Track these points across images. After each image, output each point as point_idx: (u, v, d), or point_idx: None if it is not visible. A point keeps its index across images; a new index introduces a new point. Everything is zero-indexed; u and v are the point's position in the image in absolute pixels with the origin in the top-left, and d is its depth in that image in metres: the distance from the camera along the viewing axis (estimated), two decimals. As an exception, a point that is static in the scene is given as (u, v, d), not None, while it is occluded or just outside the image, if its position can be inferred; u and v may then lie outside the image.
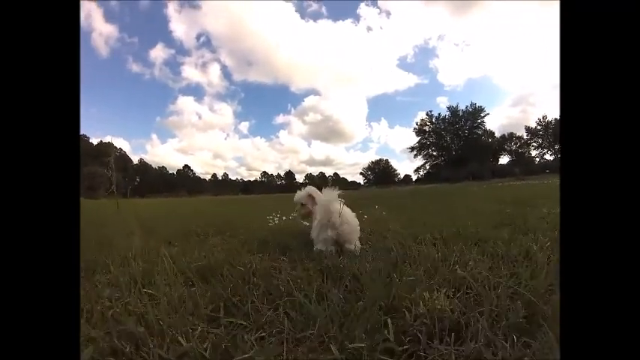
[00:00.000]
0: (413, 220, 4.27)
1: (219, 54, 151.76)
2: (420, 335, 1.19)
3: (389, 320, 1.27)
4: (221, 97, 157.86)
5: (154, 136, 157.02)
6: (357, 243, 2.72)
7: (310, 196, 3.04)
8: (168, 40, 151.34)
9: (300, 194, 3.12)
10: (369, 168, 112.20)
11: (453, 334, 1.17)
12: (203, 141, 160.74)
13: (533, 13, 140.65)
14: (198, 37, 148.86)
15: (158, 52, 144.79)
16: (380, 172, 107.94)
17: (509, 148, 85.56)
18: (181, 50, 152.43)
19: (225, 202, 22.40)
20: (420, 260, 2.19)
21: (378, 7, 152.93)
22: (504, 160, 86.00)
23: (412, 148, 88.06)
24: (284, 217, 5.30)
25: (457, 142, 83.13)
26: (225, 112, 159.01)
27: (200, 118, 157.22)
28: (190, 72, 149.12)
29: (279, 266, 2.23)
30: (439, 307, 1.36)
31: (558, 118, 0.79)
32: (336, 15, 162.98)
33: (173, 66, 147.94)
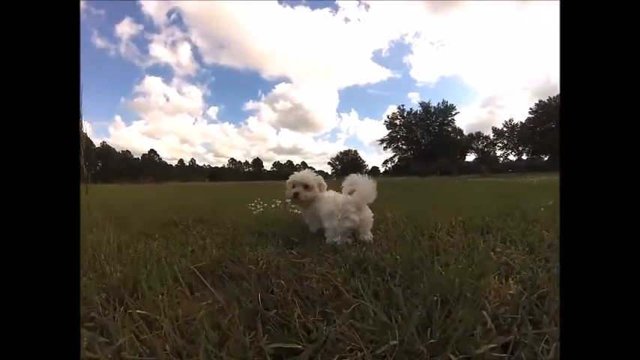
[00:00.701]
0: (409, 210, 4.06)
1: (190, 34, 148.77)
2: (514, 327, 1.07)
3: (485, 313, 1.09)
4: (190, 79, 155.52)
5: (118, 118, 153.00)
6: (370, 233, 2.54)
7: (320, 184, 2.78)
8: (137, 15, 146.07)
9: (305, 175, 2.77)
10: (337, 158, 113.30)
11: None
12: (170, 125, 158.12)
13: (509, 17, 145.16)
14: (169, 14, 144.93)
15: (125, 28, 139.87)
16: (348, 162, 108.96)
17: (475, 147, 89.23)
18: (150, 27, 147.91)
19: (194, 188, 21.78)
20: (447, 248, 2.07)
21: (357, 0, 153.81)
22: (470, 157, 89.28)
23: (382, 141, 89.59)
24: (265, 205, 5.01)
25: (427, 137, 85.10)
26: (194, 95, 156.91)
27: (168, 100, 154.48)
28: (159, 51, 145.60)
29: (298, 262, 1.90)
30: (511, 292, 1.32)
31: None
32: (314, 3, 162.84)
33: (141, 43, 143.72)
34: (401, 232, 2.61)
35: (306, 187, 2.72)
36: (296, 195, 2.72)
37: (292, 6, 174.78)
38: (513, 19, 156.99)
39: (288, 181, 2.83)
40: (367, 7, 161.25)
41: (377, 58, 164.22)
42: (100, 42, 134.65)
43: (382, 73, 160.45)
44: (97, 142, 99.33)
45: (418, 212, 3.86)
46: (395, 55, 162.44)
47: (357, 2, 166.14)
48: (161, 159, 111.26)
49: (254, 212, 4.35)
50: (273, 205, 4.90)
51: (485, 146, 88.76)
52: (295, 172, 2.84)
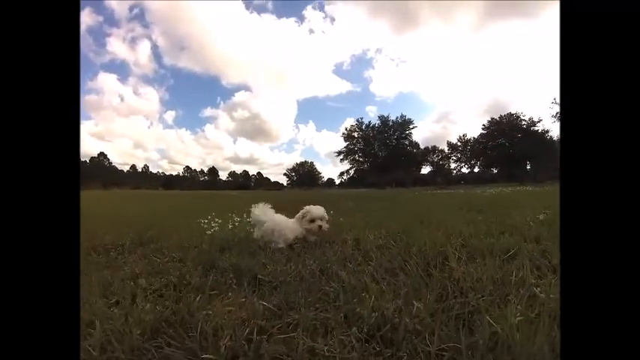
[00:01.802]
0: (385, 227, 3.58)
1: (151, 31, 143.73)
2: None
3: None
4: (148, 80, 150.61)
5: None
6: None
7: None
8: (98, 5, 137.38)
9: (323, 209, 3.19)
10: (293, 169, 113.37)
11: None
12: (124, 127, 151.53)
13: (468, 39, 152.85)
14: (131, 8, 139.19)
15: (84, 17, 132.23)
16: (304, 174, 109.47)
17: (431, 160, 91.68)
18: (110, 19, 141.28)
19: (146, 197, 20.58)
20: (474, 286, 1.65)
21: (324, 12, 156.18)
22: (425, 170, 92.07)
23: (339, 152, 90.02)
24: (220, 221, 4.30)
25: (384, 150, 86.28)
26: (151, 97, 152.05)
27: (122, 100, 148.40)
28: (117, 46, 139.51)
29: (284, 337, 1.25)
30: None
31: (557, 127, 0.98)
32: (281, 12, 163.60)
33: (98, 36, 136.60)
34: (401, 264, 2.08)
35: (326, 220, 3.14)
36: (320, 228, 3.04)
37: (259, 12, 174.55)
38: (472, 40, 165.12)
39: (312, 215, 3.09)
40: (333, 20, 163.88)
41: (338, 71, 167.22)
42: None
43: (342, 86, 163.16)
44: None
45: (400, 229, 3.39)
46: (356, 68, 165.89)
47: (324, 15, 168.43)
48: (111, 163, 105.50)
49: (207, 232, 3.68)
50: (230, 224, 4.21)
51: (440, 159, 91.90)
52: (312, 207, 3.18)
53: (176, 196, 24.62)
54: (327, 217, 3.16)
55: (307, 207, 3.19)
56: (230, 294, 1.70)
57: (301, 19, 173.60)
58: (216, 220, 4.25)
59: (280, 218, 3.16)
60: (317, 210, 3.14)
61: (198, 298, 1.59)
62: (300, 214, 3.18)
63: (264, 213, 3.14)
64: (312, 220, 3.08)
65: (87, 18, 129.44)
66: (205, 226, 4.03)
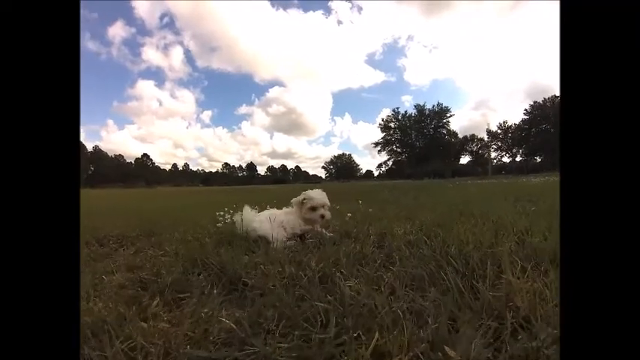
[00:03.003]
0: (420, 219, 3.05)
1: (182, 37, 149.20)
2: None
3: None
4: (183, 83, 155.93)
5: (110, 122, 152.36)
6: None
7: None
8: (129, 17, 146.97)
9: (325, 195, 2.71)
10: (331, 162, 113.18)
11: None
12: (163, 129, 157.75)
13: (501, 19, 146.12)
14: (161, 17, 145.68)
15: (117, 30, 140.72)
16: (342, 166, 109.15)
17: (469, 149, 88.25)
18: (142, 30, 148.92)
19: (182, 193, 20.96)
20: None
21: (350, 2, 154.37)
22: (464, 160, 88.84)
23: (377, 144, 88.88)
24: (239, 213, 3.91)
25: (422, 140, 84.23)
26: (187, 99, 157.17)
27: (161, 104, 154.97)
28: (151, 54, 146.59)
29: None
30: None
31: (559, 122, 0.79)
32: (306, 6, 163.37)
33: (133, 46, 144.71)
34: (435, 270, 1.48)
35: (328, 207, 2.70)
36: (323, 217, 2.60)
37: (284, 8, 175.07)
38: (505, 21, 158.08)
39: (313, 202, 2.61)
40: (360, 9, 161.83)
41: (370, 61, 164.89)
42: (92, 45, 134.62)
43: (376, 77, 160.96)
44: (89, 147, 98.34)
45: (436, 223, 2.80)
46: (388, 57, 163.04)
47: (350, 4, 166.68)
48: (154, 163, 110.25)
49: (218, 225, 3.34)
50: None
51: (479, 148, 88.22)
52: (311, 192, 2.69)
53: (212, 191, 24.76)
54: (329, 203, 2.68)
55: (306, 192, 2.68)
56: (194, 300, 1.35)
57: (328, 10, 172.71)
58: (231, 212, 3.82)
59: (271, 215, 2.65)
60: (317, 195, 2.63)
61: (155, 304, 1.34)
62: (296, 199, 2.70)
63: (249, 219, 2.70)
64: (314, 209, 2.58)
65: (120, 30, 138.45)
66: (220, 217, 3.67)
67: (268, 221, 2.54)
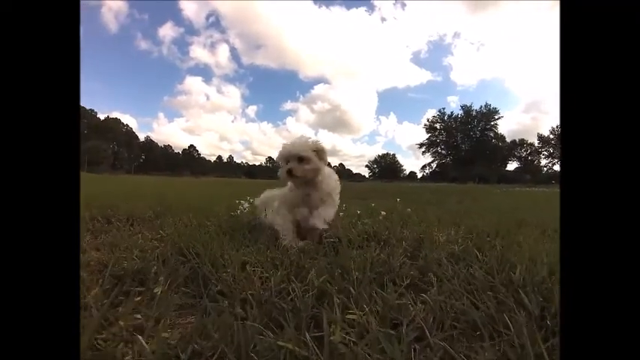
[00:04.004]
0: (466, 225, 2.55)
1: (228, 35, 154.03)
2: None
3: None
4: (229, 79, 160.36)
5: (161, 115, 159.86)
6: None
7: (319, 151, 2.06)
8: (178, 18, 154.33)
9: (298, 142, 2.05)
10: (375, 161, 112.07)
11: None
12: (210, 122, 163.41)
13: (549, 15, 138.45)
14: (207, 17, 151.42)
15: (167, 31, 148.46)
16: (386, 166, 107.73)
17: (518, 155, 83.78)
18: (190, 29, 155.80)
19: (221, 183, 21.32)
20: None
21: None
22: (511, 166, 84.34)
23: (421, 145, 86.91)
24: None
25: (467, 142, 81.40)
26: (233, 94, 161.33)
27: (208, 99, 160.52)
28: (199, 52, 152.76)
29: None
30: None
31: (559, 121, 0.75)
32: (349, 3, 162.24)
33: (181, 45, 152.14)
34: (493, 309, 1.00)
35: (302, 159, 1.99)
36: (290, 173, 1.98)
37: (327, 6, 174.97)
38: (555, 16, 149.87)
39: (277, 156, 2.12)
40: (403, 5, 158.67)
41: (416, 59, 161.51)
42: (144, 44, 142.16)
43: (422, 76, 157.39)
44: (141, 137, 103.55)
45: (487, 230, 2.29)
46: (434, 56, 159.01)
47: (393, 1, 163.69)
48: (200, 155, 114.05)
49: (233, 213, 3.14)
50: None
51: (529, 154, 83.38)
52: (285, 143, 2.11)
53: (253, 184, 24.86)
54: (307, 154, 2.00)
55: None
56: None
57: (371, 8, 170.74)
58: (251, 201, 3.47)
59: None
60: (284, 146, 2.09)
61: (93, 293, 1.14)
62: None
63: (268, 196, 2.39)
64: (287, 162, 2.05)
65: (170, 31, 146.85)
66: (240, 205, 3.43)
67: (280, 216, 2.16)
